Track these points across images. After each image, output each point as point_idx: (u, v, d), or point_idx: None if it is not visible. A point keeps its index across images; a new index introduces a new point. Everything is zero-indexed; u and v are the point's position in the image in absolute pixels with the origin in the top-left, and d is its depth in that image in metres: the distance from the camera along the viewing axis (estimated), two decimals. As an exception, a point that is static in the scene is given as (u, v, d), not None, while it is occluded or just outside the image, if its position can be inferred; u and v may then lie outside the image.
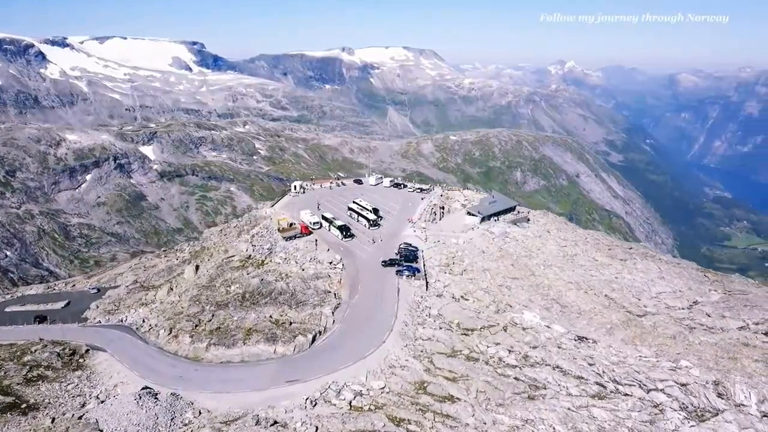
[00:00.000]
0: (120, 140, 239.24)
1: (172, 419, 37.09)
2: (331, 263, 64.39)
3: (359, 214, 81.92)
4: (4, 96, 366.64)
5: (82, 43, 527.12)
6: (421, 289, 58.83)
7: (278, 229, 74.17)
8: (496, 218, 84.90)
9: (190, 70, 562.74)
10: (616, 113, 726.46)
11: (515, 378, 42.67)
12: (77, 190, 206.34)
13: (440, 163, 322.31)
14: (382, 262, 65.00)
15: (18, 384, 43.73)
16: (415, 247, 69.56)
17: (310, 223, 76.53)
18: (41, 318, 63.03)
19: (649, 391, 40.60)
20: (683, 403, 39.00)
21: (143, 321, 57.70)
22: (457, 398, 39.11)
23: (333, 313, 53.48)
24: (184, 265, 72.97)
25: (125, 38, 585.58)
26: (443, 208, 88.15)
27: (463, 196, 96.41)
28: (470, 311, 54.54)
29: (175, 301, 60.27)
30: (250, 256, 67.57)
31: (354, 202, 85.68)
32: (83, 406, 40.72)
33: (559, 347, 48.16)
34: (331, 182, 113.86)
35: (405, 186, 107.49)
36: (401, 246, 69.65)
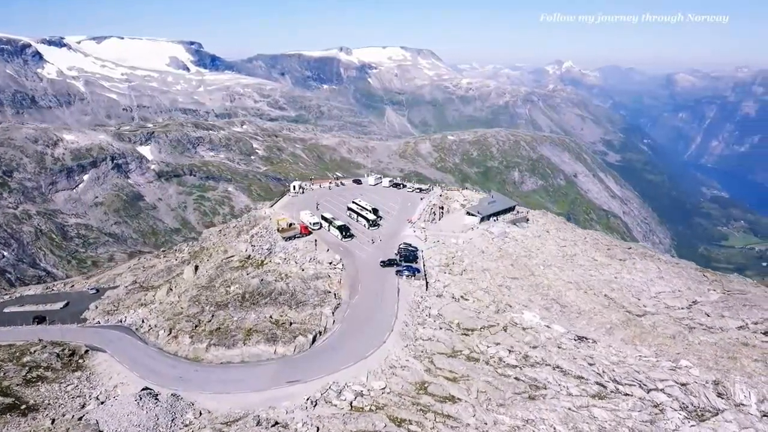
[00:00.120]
0: (117, 140, 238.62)
1: (172, 420, 37.01)
2: (330, 263, 64.34)
3: (359, 214, 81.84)
4: (1, 96, 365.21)
5: (79, 42, 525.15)
6: (421, 289, 58.84)
7: (278, 230, 74.07)
8: (495, 218, 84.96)
9: (188, 69, 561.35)
10: (614, 113, 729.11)
11: (516, 378, 42.75)
12: (74, 190, 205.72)
13: (438, 163, 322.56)
14: (381, 262, 64.94)
15: (17, 385, 43.52)
16: (415, 247, 69.51)
17: (310, 223, 76.42)
18: (40, 318, 62.74)
19: (649, 390, 40.72)
20: (683, 403, 39.13)
21: (143, 321, 57.50)
22: (458, 398, 39.15)
23: (333, 313, 53.44)
24: (183, 266, 72.75)
25: (122, 38, 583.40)
26: (442, 208, 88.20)
27: (463, 196, 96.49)
28: (470, 311, 54.60)
29: (175, 302, 60.09)
30: (249, 256, 67.47)
31: (353, 202, 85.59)
32: (83, 407, 40.56)
33: (559, 347, 48.26)
34: (330, 182, 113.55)
35: (404, 186, 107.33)
36: (401, 246, 69.58)
